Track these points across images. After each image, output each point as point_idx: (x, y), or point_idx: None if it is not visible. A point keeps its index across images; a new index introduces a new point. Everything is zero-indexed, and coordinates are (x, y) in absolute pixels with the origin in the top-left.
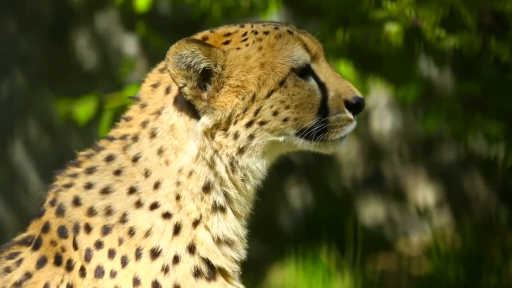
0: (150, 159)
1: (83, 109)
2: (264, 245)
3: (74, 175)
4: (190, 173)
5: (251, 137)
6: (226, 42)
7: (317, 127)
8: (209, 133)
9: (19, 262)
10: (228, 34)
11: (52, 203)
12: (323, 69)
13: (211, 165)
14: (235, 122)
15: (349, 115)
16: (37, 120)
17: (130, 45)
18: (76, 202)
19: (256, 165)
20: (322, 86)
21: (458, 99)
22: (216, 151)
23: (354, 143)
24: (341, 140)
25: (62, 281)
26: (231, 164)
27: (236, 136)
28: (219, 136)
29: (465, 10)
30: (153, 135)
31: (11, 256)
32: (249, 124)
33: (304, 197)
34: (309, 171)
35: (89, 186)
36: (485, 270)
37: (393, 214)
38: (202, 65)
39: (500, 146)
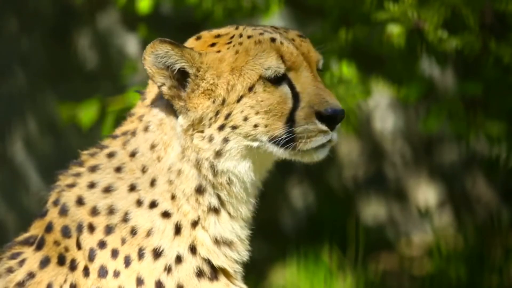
0: (145, 154)
1: (86, 114)
2: (266, 245)
3: (77, 175)
4: (179, 173)
5: (226, 140)
6: (213, 44)
7: (284, 136)
8: (188, 135)
9: (22, 262)
10: (218, 36)
11: (55, 203)
12: (302, 79)
13: (198, 167)
14: (210, 125)
15: (321, 126)
16: (38, 120)
17: (131, 44)
18: (80, 201)
19: (238, 169)
20: (296, 95)
21: (460, 99)
22: (198, 153)
23: (355, 143)
24: (316, 150)
25: (65, 281)
26: (212, 167)
27: (211, 139)
28: (196, 139)
29: (467, 11)
30: (146, 128)
31: (13, 256)
32: (221, 128)
33: (306, 197)
34: (311, 171)
35: (92, 185)
36: (487, 270)
37: (394, 214)
38: (177, 66)
39: (502, 146)
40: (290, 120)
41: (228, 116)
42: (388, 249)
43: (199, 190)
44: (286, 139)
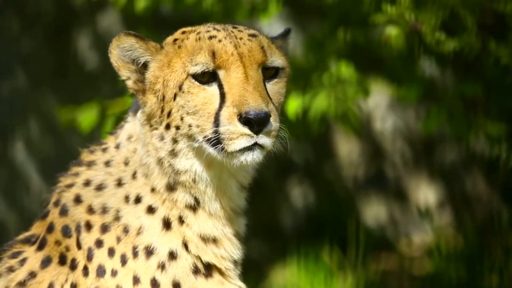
0: (126, 146)
1: (86, 118)
2: (266, 245)
3: (76, 174)
4: (148, 167)
5: (175, 141)
6: (175, 40)
7: (211, 137)
8: (147, 130)
9: (23, 261)
10: (183, 32)
11: (56, 203)
12: (231, 79)
13: (160, 164)
14: (160, 123)
15: (242, 128)
16: (39, 120)
17: None
18: (77, 199)
19: (195, 168)
20: (223, 95)
21: (460, 99)
22: (157, 152)
23: (355, 143)
24: (242, 153)
25: (66, 281)
26: (171, 166)
27: (162, 138)
28: (153, 137)
29: (465, 12)
30: (126, 120)
31: (14, 255)
32: (167, 127)
33: (306, 197)
34: (311, 171)
35: (87, 183)
36: (487, 270)
37: (395, 214)
38: (142, 59)
39: (501, 146)
40: (218, 120)
41: (169, 114)
42: (388, 249)
43: (170, 187)
44: (214, 140)
